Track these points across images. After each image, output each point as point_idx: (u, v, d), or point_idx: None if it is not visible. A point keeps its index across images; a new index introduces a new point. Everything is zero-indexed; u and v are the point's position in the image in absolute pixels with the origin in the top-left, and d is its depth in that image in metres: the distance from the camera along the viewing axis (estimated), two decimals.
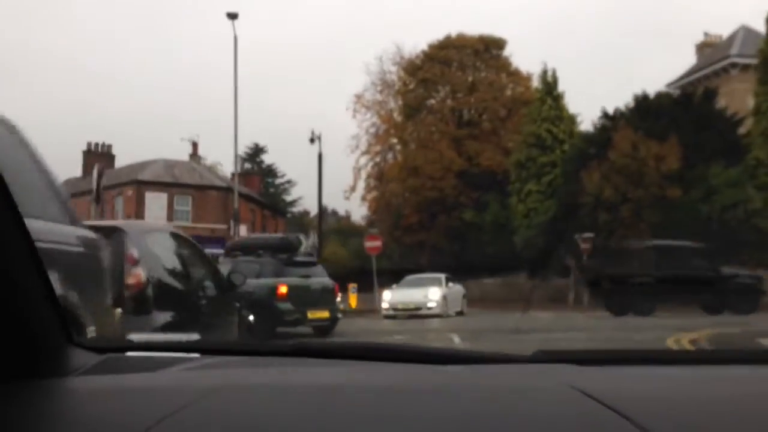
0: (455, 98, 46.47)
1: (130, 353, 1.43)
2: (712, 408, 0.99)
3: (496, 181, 39.93)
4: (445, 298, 22.92)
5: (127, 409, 0.99)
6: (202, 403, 0.98)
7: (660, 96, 31.80)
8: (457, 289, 24.96)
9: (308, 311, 14.14)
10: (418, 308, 22.30)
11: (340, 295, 16.64)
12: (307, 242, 34.28)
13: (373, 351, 1.45)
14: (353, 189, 48.20)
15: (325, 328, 14.79)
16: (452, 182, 42.63)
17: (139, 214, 39.54)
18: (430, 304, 22.43)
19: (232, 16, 25.44)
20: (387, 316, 22.62)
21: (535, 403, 1.00)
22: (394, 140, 48.23)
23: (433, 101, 47.16)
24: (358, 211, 77.49)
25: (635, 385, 1.17)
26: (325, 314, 14.65)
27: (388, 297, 23.52)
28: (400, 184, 44.66)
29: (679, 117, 28.85)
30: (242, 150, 65.44)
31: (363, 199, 49.11)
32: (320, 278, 15.39)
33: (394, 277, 25.89)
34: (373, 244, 28.70)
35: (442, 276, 24.34)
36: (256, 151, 67.82)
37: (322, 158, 29.95)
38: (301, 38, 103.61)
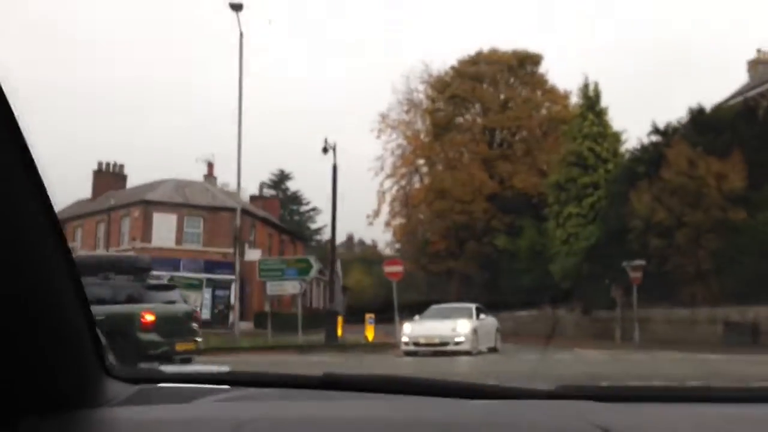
0: (486, 116, 43.87)
1: (162, 384, 1.45)
2: None
3: (531, 204, 37.43)
4: (475, 331, 19.66)
5: None
6: None
7: (719, 109, 28.59)
8: (490, 321, 21.65)
9: (176, 343, 12.35)
10: (444, 343, 19.06)
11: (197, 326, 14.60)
12: (318, 265, 31.66)
13: (400, 384, 1.46)
14: (377, 214, 45.73)
15: (184, 361, 12.86)
16: (483, 206, 40.08)
17: (146, 236, 37.01)
18: (458, 339, 19.16)
19: (236, 8, 22.87)
20: (408, 353, 19.40)
21: None
22: (421, 161, 45.78)
23: (462, 120, 44.77)
24: (383, 238, 74.57)
25: (656, 423, 1.15)
26: (192, 346, 13.11)
27: (409, 330, 20.19)
28: (427, 207, 42.00)
29: (742, 131, 25.72)
30: (267, 176, 63.67)
31: (387, 224, 46.57)
32: (183, 305, 13.94)
33: (419, 307, 22.81)
34: (393, 269, 25.72)
35: (473, 306, 21.16)
36: (281, 177, 65.85)
37: (337, 169, 27.02)
38: (328, 69, 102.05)
